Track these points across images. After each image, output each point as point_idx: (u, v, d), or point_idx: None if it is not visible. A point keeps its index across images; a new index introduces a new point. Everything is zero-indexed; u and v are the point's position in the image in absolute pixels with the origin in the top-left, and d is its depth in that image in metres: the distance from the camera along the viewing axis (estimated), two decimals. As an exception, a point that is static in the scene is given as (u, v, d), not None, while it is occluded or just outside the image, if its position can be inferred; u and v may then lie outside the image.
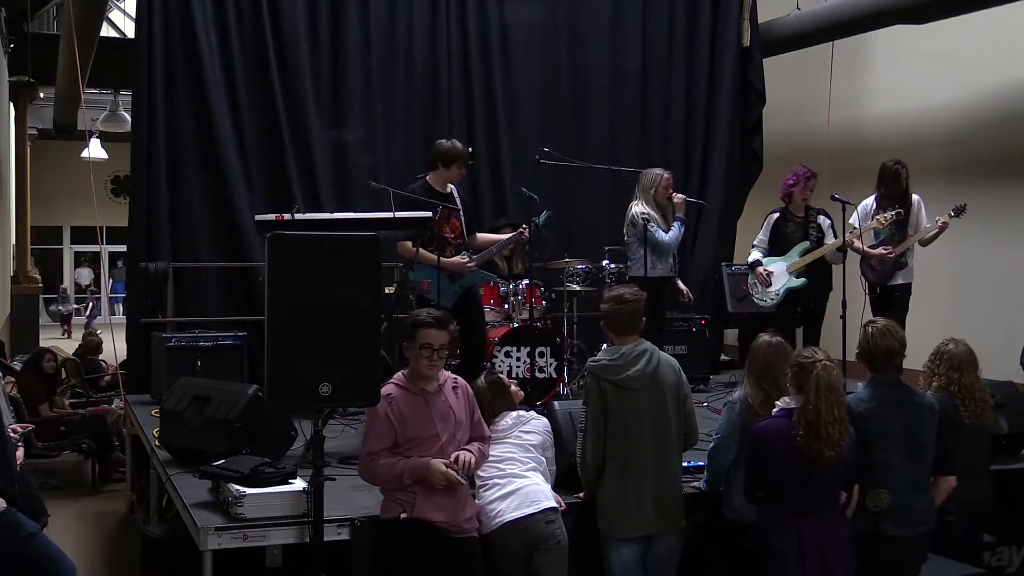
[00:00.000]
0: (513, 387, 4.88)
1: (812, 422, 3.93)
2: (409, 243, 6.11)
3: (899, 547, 4.18)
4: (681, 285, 7.41)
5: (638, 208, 6.97)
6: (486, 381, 4.79)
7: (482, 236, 6.72)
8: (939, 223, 6.72)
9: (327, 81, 8.27)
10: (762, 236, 7.29)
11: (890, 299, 6.88)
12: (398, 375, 4.37)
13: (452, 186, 6.51)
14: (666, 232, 6.99)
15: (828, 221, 7.18)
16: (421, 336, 4.25)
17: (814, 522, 4.03)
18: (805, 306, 7.12)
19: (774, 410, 4.21)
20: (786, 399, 4.16)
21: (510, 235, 6.64)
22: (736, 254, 9.32)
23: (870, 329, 4.31)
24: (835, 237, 7.06)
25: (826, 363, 4.02)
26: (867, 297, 6.86)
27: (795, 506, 4.04)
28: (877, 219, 6.79)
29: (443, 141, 6.60)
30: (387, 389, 4.23)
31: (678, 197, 7.00)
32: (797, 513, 4.04)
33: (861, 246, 6.89)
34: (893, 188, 6.86)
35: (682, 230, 7.00)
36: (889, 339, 4.26)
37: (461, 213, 6.48)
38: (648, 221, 6.81)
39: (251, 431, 5.13)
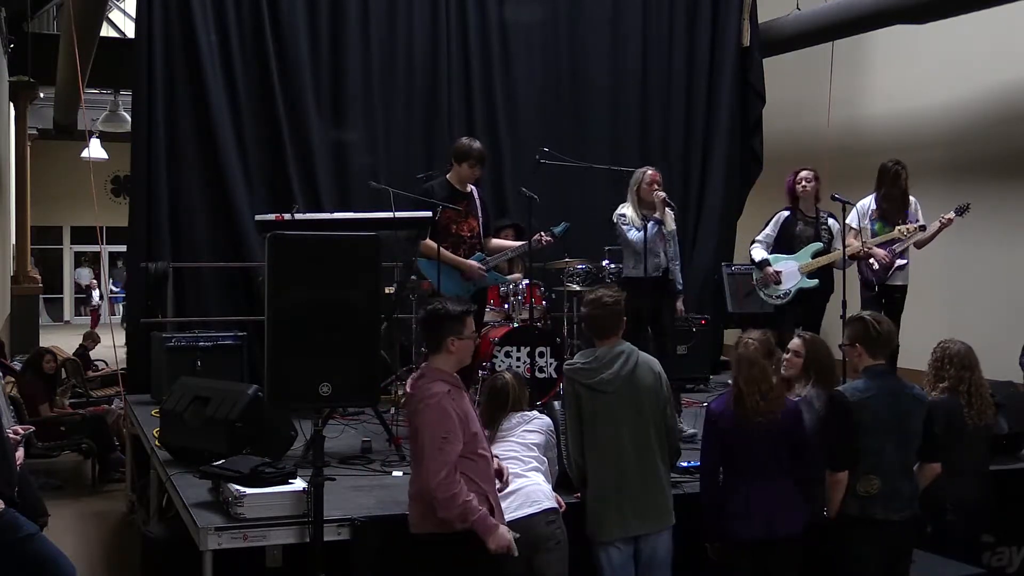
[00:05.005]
0: None
1: (737, 394, 4.36)
2: (431, 242, 6.16)
3: (888, 530, 4.35)
4: (679, 305, 7.15)
5: (618, 209, 6.93)
6: (512, 376, 4.82)
7: (497, 241, 6.83)
8: (943, 220, 6.71)
9: (327, 81, 8.27)
10: (769, 232, 7.15)
11: (888, 299, 6.88)
12: (434, 370, 4.10)
13: (473, 188, 6.59)
14: (639, 230, 6.85)
15: (838, 226, 7.14)
16: (470, 323, 4.16)
17: (759, 486, 4.34)
18: (807, 307, 7.08)
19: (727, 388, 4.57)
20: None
21: (528, 241, 6.58)
22: (736, 254, 9.31)
23: (868, 317, 4.52)
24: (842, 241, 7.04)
25: (747, 340, 4.47)
26: (861, 295, 6.86)
27: (742, 472, 4.38)
28: (899, 229, 6.75)
29: (463, 139, 6.77)
30: (440, 386, 3.98)
31: (658, 196, 6.74)
32: (744, 478, 4.37)
33: (863, 248, 6.88)
34: (893, 188, 6.85)
35: (655, 229, 6.60)
36: (888, 324, 4.54)
37: (480, 214, 6.55)
38: (621, 220, 6.79)
39: (251, 431, 5.13)
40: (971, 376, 4.93)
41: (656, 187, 6.68)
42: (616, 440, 4.43)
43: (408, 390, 4.14)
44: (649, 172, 6.77)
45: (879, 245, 6.83)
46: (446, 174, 6.63)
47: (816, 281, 6.96)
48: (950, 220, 6.71)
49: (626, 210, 6.71)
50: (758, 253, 7.13)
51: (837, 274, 7.03)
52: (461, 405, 4.04)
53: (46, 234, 24.83)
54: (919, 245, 6.90)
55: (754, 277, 7.25)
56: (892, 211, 6.86)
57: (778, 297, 7.04)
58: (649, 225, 6.51)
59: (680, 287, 6.92)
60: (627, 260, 6.71)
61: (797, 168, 7.18)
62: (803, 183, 7.01)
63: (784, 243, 7.09)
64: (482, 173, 6.82)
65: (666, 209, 6.66)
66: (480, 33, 8.75)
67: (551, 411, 5.06)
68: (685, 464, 5.04)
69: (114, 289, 24.28)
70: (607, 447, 4.44)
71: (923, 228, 6.76)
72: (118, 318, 14.31)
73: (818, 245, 6.99)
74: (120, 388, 8.02)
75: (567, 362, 4.69)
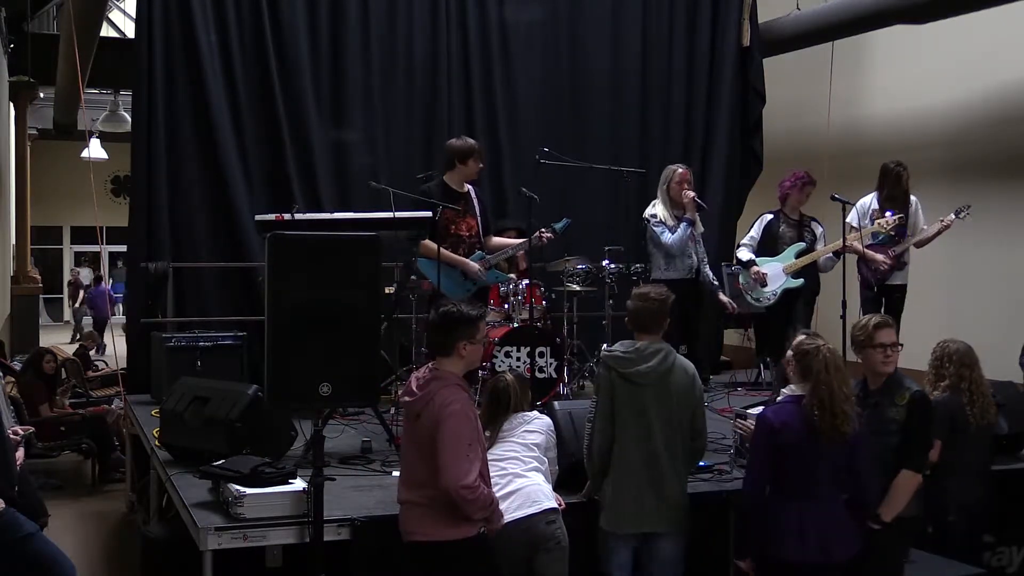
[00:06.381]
0: None
1: (826, 401, 3.98)
2: (431, 242, 6.16)
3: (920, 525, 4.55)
4: (723, 298, 7.12)
5: (649, 209, 6.87)
6: (514, 377, 4.80)
7: (497, 239, 6.84)
8: (942, 222, 6.73)
9: (327, 81, 8.27)
10: (753, 234, 7.23)
11: (888, 299, 6.90)
12: (449, 373, 4.06)
13: (470, 187, 6.59)
14: (672, 232, 6.77)
15: (821, 229, 7.16)
16: (483, 328, 4.17)
17: (816, 505, 4.05)
18: (795, 307, 7.09)
19: (779, 397, 4.26)
20: (791, 386, 4.19)
21: (528, 238, 6.56)
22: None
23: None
24: (826, 245, 7.06)
25: (829, 346, 4.11)
26: (861, 295, 6.87)
27: (798, 490, 4.06)
28: (879, 223, 6.78)
29: (454, 140, 6.79)
30: (462, 392, 3.98)
31: (687, 195, 6.77)
32: (800, 497, 4.06)
33: (860, 248, 6.89)
34: (895, 189, 6.87)
35: (687, 231, 6.63)
36: None
37: (479, 213, 6.54)
38: (652, 221, 6.72)
39: (251, 431, 5.13)
40: (971, 374, 4.93)
41: (686, 186, 6.61)
42: (645, 434, 4.38)
43: (415, 390, 4.07)
44: (679, 171, 6.67)
45: (868, 245, 6.86)
46: (442, 176, 6.62)
47: (801, 280, 7.00)
48: (950, 222, 6.72)
49: (657, 210, 6.65)
50: (744, 255, 7.19)
51: (830, 275, 7.07)
52: (475, 411, 4.07)
53: (46, 234, 24.84)
54: (919, 245, 6.92)
55: (741, 279, 7.27)
56: (895, 213, 6.86)
57: (765, 299, 7.06)
58: (682, 226, 6.43)
59: (716, 284, 6.89)
60: (657, 261, 6.64)
61: (800, 172, 7.16)
62: (804, 197, 7.07)
63: (768, 245, 7.16)
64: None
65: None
66: (480, 33, 8.75)
67: (551, 411, 5.06)
68: (699, 463, 5.01)
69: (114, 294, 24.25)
70: (635, 439, 4.39)
71: (902, 218, 6.78)
72: (119, 317, 14.30)
73: (801, 245, 7.04)
74: (120, 388, 8.02)
75: (607, 348, 4.64)
